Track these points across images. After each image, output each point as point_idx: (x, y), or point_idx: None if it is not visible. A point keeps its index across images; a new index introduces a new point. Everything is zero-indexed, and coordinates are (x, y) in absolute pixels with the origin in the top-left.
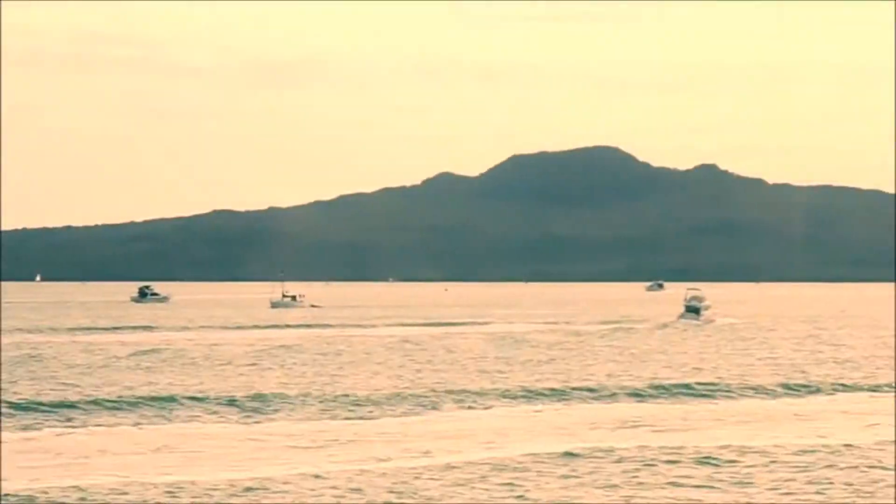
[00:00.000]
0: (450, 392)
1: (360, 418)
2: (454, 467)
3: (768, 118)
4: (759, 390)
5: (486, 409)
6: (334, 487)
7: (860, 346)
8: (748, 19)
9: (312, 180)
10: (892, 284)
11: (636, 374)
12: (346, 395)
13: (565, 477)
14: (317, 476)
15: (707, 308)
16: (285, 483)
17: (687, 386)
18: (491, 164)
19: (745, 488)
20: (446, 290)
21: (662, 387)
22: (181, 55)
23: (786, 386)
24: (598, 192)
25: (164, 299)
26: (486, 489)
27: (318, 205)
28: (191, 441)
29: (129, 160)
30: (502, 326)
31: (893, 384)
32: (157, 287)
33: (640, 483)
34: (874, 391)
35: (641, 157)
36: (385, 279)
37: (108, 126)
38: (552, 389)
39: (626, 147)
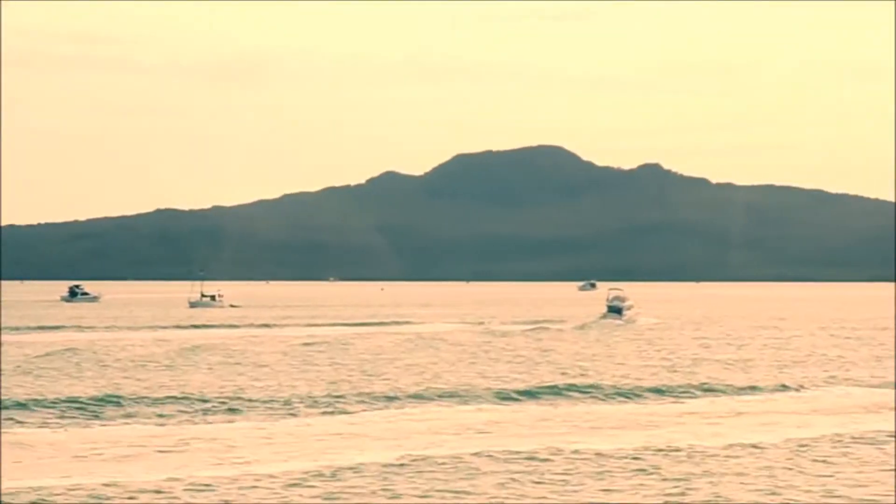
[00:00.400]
0: (311, 397)
1: (218, 422)
2: (270, 477)
3: (712, 118)
4: (632, 393)
5: (344, 413)
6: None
7: (771, 347)
8: (694, 19)
9: (257, 179)
10: (835, 284)
11: (519, 377)
12: (204, 399)
13: (384, 489)
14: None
15: (629, 308)
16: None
17: (559, 388)
18: (435, 163)
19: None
20: (382, 289)
21: (535, 389)
22: (127, 53)
23: (664, 389)
24: (542, 191)
25: (95, 299)
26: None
27: (262, 203)
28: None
29: (73, 158)
30: (419, 327)
31: (773, 386)
32: (90, 286)
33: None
34: (751, 393)
35: (585, 157)
36: (326, 279)
37: (51, 124)
38: (417, 393)
39: (570, 146)
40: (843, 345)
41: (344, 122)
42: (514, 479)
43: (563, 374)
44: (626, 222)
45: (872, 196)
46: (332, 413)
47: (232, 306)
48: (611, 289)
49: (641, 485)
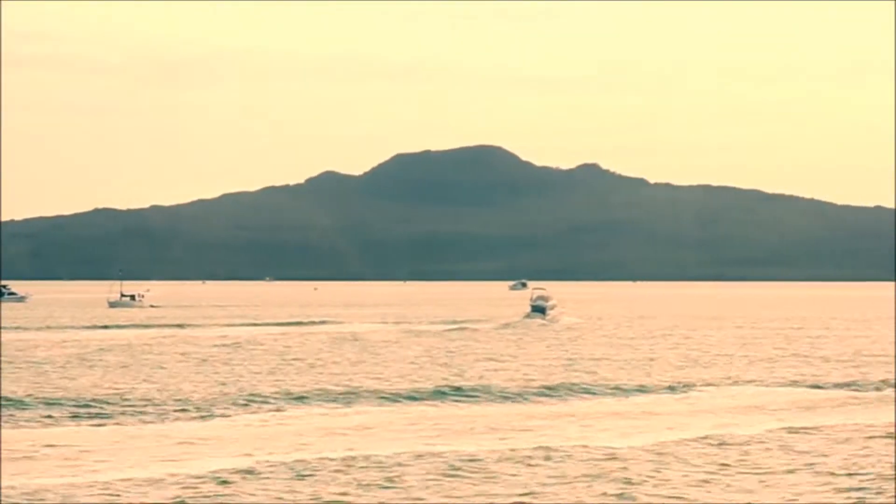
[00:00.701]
0: (190, 400)
1: (81, 426)
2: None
3: (650, 118)
4: (521, 394)
5: (216, 417)
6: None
7: (682, 347)
8: (630, 20)
9: (195, 178)
10: (771, 284)
11: (416, 378)
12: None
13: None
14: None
15: (552, 308)
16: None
17: (446, 390)
18: (375, 163)
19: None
20: (316, 289)
21: (422, 391)
22: (65, 52)
23: (554, 390)
24: (481, 191)
25: (22, 299)
26: None
27: (200, 203)
28: None
29: (8, 157)
30: (338, 327)
31: (663, 386)
32: (21, 286)
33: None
34: (638, 394)
35: (524, 157)
36: (263, 278)
37: None
38: (302, 395)
39: (509, 146)
40: (753, 345)
41: (283, 122)
42: (361, 485)
43: (458, 375)
44: (565, 222)
45: (808, 196)
46: (204, 417)
47: (152, 307)
48: (535, 288)
49: (481, 492)
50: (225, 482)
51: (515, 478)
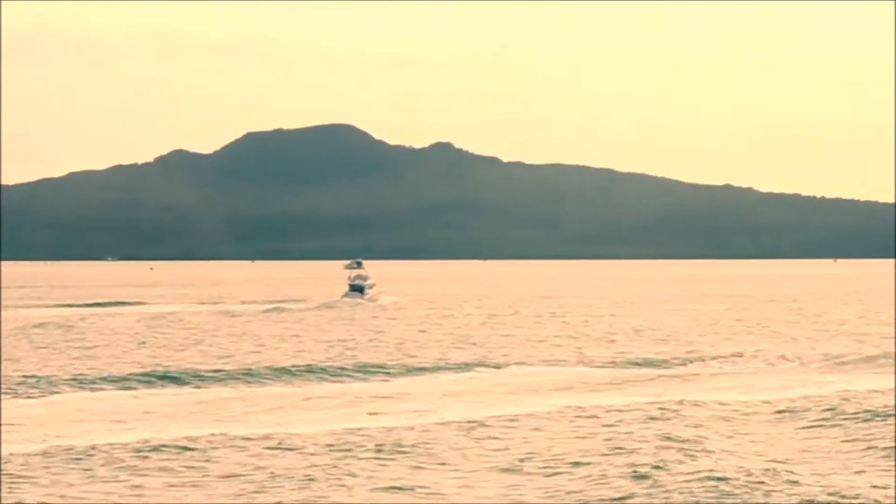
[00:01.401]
0: None
1: None
2: None
3: (503, 97)
4: (289, 374)
5: None
6: None
7: (487, 326)
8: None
9: (40, 157)
10: (621, 262)
11: (198, 360)
12: None
13: None
14: None
15: (371, 287)
16: None
17: (209, 373)
18: (225, 142)
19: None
20: (152, 269)
21: (187, 373)
22: None
23: (325, 369)
24: (333, 169)
25: None
26: None
27: (46, 182)
28: None
29: None
30: (152, 308)
31: (441, 366)
32: None
33: None
34: (415, 374)
35: (377, 136)
36: (105, 258)
37: None
38: (77, 377)
39: (362, 125)
40: (570, 324)
41: (132, 99)
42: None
43: (240, 355)
44: (417, 201)
45: (660, 175)
46: None
47: None
48: (348, 265)
49: (195, 483)
50: None
51: (224, 462)
